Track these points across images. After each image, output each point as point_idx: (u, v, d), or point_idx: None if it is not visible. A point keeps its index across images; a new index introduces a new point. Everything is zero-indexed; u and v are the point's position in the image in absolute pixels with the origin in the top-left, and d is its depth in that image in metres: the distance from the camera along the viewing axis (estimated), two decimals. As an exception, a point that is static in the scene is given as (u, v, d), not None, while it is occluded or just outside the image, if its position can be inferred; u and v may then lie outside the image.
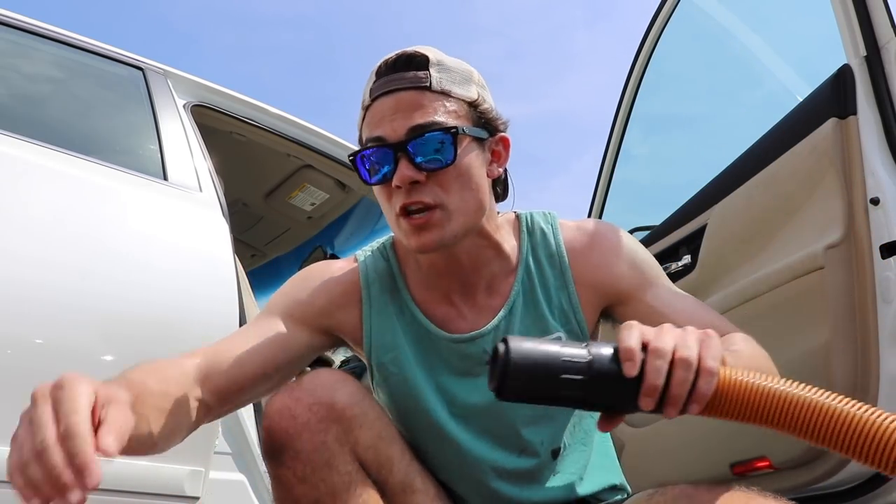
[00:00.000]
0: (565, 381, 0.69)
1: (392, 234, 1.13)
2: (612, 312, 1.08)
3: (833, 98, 1.49)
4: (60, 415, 0.66)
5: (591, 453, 1.11)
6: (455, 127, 0.97)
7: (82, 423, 0.65)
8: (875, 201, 1.40)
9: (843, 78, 1.48)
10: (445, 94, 0.99)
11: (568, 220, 1.13)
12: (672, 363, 0.68)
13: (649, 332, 0.71)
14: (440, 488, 1.06)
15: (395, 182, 0.96)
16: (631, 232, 2.39)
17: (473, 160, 1.00)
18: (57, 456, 0.63)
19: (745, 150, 1.80)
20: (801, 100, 1.66)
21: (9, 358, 1.39)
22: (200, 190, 1.86)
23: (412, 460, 1.04)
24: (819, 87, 1.56)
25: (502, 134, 1.06)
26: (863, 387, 1.37)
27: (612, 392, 0.70)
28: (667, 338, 0.70)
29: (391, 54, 1.01)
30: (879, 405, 1.36)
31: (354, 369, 2.71)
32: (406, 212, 0.97)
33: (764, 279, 1.58)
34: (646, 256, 1.08)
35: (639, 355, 0.69)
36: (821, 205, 1.50)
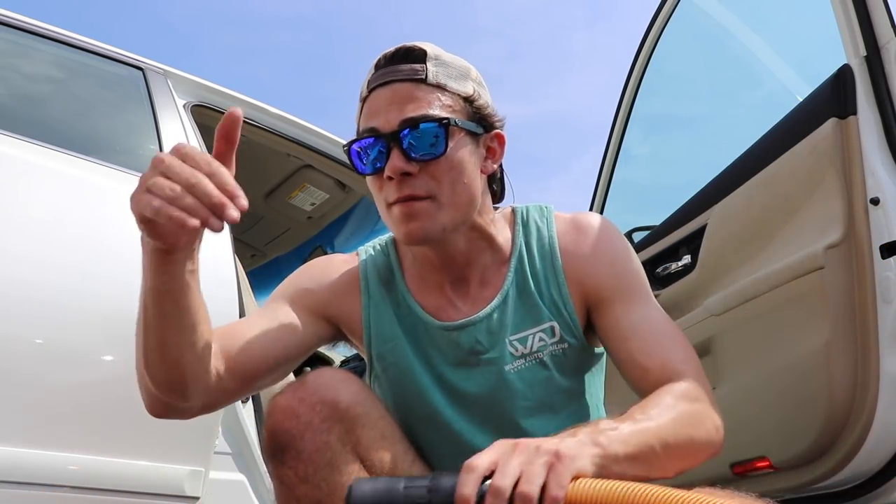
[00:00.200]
0: None
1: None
2: (590, 313, 1.07)
3: (833, 98, 1.49)
4: (198, 162, 0.74)
5: None
6: (447, 119, 0.97)
7: (220, 165, 0.75)
8: (875, 201, 1.40)
9: (843, 78, 1.48)
10: (441, 88, 0.99)
11: (565, 213, 1.13)
12: (512, 498, 0.68)
13: (493, 462, 0.71)
14: None
15: (386, 173, 0.97)
16: (631, 232, 2.39)
17: (466, 154, 1.01)
18: (210, 185, 0.73)
19: (745, 150, 1.80)
20: (801, 100, 1.66)
21: (9, 358, 1.39)
22: (200, 190, 1.85)
23: (415, 459, 1.05)
24: (819, 87, 1.56)
25: (498, 131, 1.06)
26: (863, 387, 1.37)
27: None
28: (510, 469, 0.69)
29: (391, 48, 1.02)
30: (879, 405, 1.36)
31: (355, 369, 2.71)
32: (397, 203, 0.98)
33: (764, 279, 1.58)
34: (628, 265, 1.06)
35: (473, 501, 0.68)
36: (821, 205, 1.50)
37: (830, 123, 1.48)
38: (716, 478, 1.62)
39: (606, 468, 0.75)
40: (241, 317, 1.71)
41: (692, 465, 0.87)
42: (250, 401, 1.83)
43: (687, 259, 1.94)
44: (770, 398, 1.57)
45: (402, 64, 1.00)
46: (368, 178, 1.03)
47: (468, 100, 1.02)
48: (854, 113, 1.45)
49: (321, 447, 0.94)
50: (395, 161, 0.96)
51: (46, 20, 1.93)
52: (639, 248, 2.19)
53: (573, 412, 1.08)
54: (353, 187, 2.82)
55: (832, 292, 1.42)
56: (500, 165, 1.10)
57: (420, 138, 0.96)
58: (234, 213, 0.74)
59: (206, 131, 2.10)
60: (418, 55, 1.00)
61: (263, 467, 1.70)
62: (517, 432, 1.04)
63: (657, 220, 2.18)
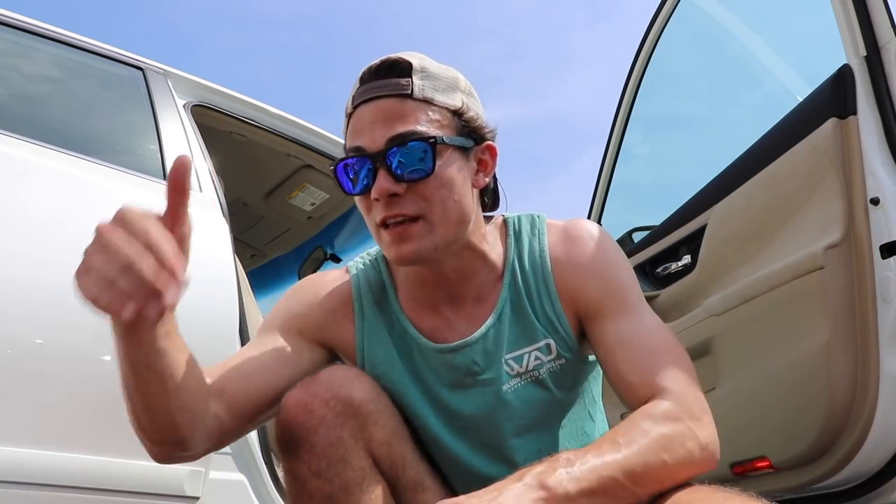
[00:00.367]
0: None
1: None
2: (582, 324, 1.04)
3: (833, 98, 1.49)
4: (136, 235, 0.71)
5: None
6: (434, 137, 0.94)
7: (161, 235, 0.72)
8: (875, 201, 1.40)
9: (843, 78, 1.48)
10: (427, 103, 0.96)
11: (557, 222, 1.10)
12: None
13: None
14: (448, 488, 1.07)
15: (373, 194, 0.94)
16: (631, 232, 2.40)
17: (456, 170, 0.97)
18: (147, 263, 0.70)
19: (745, 150, 1.80)
20: (801, 100, 1.66)
21: (9, 358, 1.39)
22: (200, 190, 1.85)
23: (422, 459, 1.05)
24: (819, 87, 1.56)
25: (489, 142, 1.03)
26: (863, 387, 1.37)
27: None
28: None
29: (375, 60, 0.98)
30: (879, 405, 1.36)
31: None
32: (386, 224, 0.95)
33: (764, 279, 1.58)
34: (619, 276, 1.03)
35: None
36: (821, 205, 1.50)
37: (830, 123, 1.48)
38: (716, 478, 1.62)
39: None
40: (240, 317, 1.71)
41: (670, 486, 0.85)
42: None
43: (687, 259, 1.94)
44: (770, 398, 1.57)
45: (387, 78, 0.96)
46: (357, 199, 1.00)
47: (457, 113, 0.98)
48: (854, 113, 1.45)
49: (334, 442, 0.94)
50: (382, 182, 0.93)
51: (46, 20, 1.93)
52: (639, 248, 2.19)
53: (567, 422, 1.08)
54: (353, 187, 2.81)
55: (832, 292, 1.42)
56: (494, 176, 1.07)
57: (407, 158, 0.93)
58: (172, 297, 0.71)
59: (206, 131, 2.10)
60: (403, 68, 0.96)
61: (263, 467, 1.70)
62: (505, 451, 1.05)
63: (657, 220, 2.18)
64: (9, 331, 1.40)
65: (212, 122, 2.27)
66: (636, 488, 0.82)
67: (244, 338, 1.71)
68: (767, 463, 1.56)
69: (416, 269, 1.03)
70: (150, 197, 1.74)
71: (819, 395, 1.42)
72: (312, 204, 3.00)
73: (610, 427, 1.19)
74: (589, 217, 2.54)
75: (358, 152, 0.96)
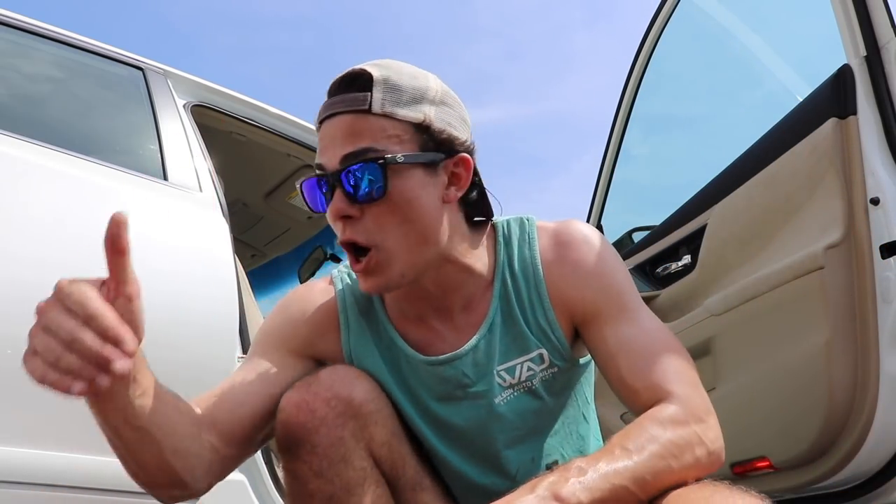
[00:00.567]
0: None
1: None
2: (578, 330, 1.02)
3: (833, 98, 1.49)
4: (75, 309, 0.69)
5: None
6: (383, 157, 0.89)
7: (100, 305, 0.69)
8: (875, 201, 1.40)
9: (843, 78, 1.48)
10: (387, 117, 0.90)
11: (548, 224, 1.06)
12: None
13: None
14: (447, 489, 1.06)
15: (328, 216, 0.92)
16: (631, 232, 2.40)
17: (418, 188, 0.92)
18: (89, 337, 0.68)
19: (745, 150, 1.80)
20: (801, 100, 1.66)
21: (9, 358, 1.39)
22: (200, 190, 1.85)
23: (421, 459, 1.04)
24: (819, 87, 1.56)
25: (462, 154, 0.96)
26: (863, 387, 1.37)
27: None
28: None
29: (342, 72, 0.95)
30: (879, 405, 1.36)
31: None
32: (349, 248, 0.93)
33: (764, 279, 1.58)
34: (614, 279, 1.00)
35: None
36: (821, 205, 1.50)
37: (830, 123, 1.48)
38: (715, 478, 1.62)
39: None
40: (240, 316, 1.71)
41: (676, 485, 0.84)
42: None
43: (687, 259, 1.94)
44: (770, 398, 1.57)
45: (347, 92, 0.92)
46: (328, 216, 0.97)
47: (420, 127, 0.92)
48: (854, 113, 1.45)
49: (335, 442, 0.93)
50: (337, 202, 0.90)
51: (46, 20, 1.94)
52: (639, 248, 2.19)
53: (561, 428, 1.07)
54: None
55: (832, 292, 1.42)
56: (479, 185, 1.01)
57: (358, 178, 0.89)
58: (120, 366, 0.69)
59: (206, 131, 2.10)
60: (364, 81, 0.91)
61: (264, 467, 1.70)
62: (499, 461, 1.04)
63: (657, 220, 2.18)
64: (9, 331, 1.40)
65: (212, 122, 2.27)
66: (643, 494, 0.81)
67: (244, 338, 1.71)
68: (767, 463, 1.56)
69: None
70: (150, 197, 1.75)
71: (819, 395, 1.42)
72: (312, 204, 3.00)
73: (603, 426, 1.19)
74: (589, 217, 2.54)
75: (319, 170, 0.93)
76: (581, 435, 1.09)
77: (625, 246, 2.34)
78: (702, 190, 1.94)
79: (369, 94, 0.91)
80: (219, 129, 2.33)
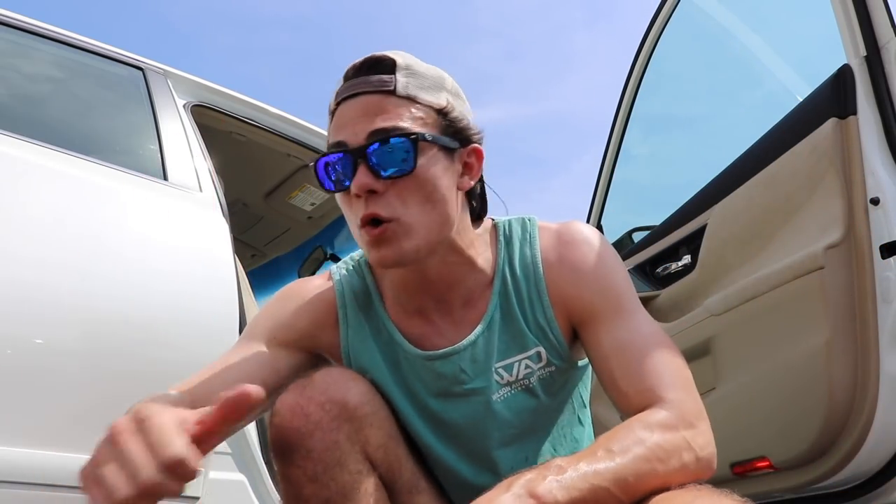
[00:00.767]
0: None
1: None
2: (576, 330, 1.02)
3: (833, 98, 1.49)
4: (145, 431, 0.65)
5: None
6: (417, 133, 0.91)
7: (172, 432, 0.64)
8: (875, 201, 1.40)
9: (843, 78, 1.48)
10: (411, 100, 0.93)
11: (550, 224, 1.06)
12: None
13: None
14: (443, 491, 1.06)
15: (352, 190, 0.92)
16: (631, 232, 2.40)
17: (439, 171, 0.94)
18: (145, 463, 0.62)
19: (745, 150, 1.80)
20: (801, 100, 1.66)
21: (9, 358, 1.39)
22: (200, 190, 1.86)
23: (417, 461, 1.04)
24: (819, 87, 1.56)
25: (475, 145, 0.99)
26: (863, 387, 1.37)
27: None
28: None
29: (360, 58, 0.96)
30: (879, 405, 1.36)
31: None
32: (368, 223, 0.93)
33: (764, 279, 1.58)
34: (613, 280, 1.00)
35: None
36: (821, 205, 1.50)
37: (830, 123, 1.48)
38: (716, 478, 1.62)
39: None
40: (240, 317, 1.71)
41: (660, 489, 0.82)
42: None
43: (687, 259, 1.94)
44: (770, 398, 1.57)
45: (371, 75, 0.94)
46: (338, 196, 0.97)
47: (441, 112, 0.95)
48: (854, 113, 1.45)
49: (331, 446, 0.93)
50: (361, 177, 0.90)
51: (46, 20, 1.94)
52: (639, 248, 2.19)
53: (556, 429, 1.06)
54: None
55: (832, 292, 1.42)
56: (481, 180, 1.04)
57: (387, 153, 0.90)
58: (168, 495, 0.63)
59: (206, 131, 2.11)
60: (387, 65, 0.94)
61: (263, 467, 1.70)
62: (492, 460, 1.03)
63: (657, 220, 2.18)
64: (9, 331, 1.40)
65: (212, 122, 2.28)
66: (625, 497, 0.80)
67: (244, 338, 1.71)
68: (767, 463, 1.56)
69: (400, 274, 1.01)
70: (150, 197, 1.75)
71: (819, 395, 1.42)
72: (312, 204, 3.00)
73: (603, 427, 1.18)
74: (589, 217, 2.54)
75: (339, 147, 0.93)
76: (575, 438, 1.09)
77: (625, 246, 2.35)
78: (702, 190, 1.94)
79: (393, 76, 0.93)
80: (219, 129, 2.33)
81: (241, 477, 1.70)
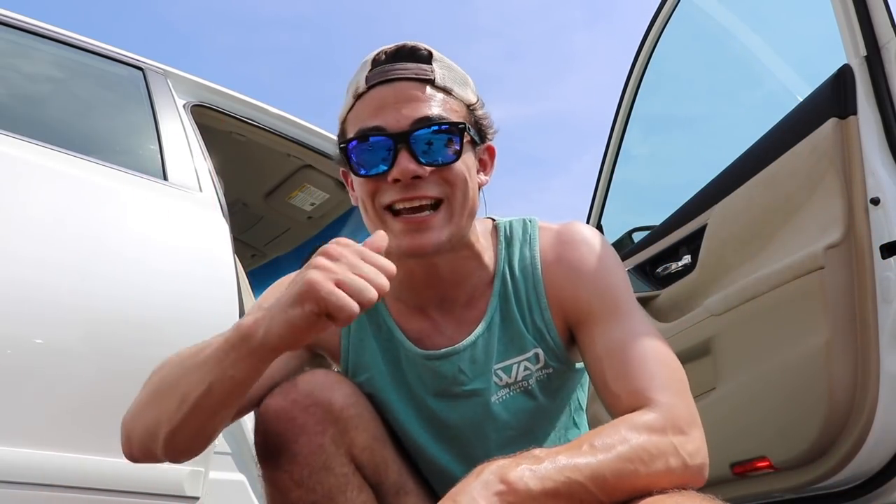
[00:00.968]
0: None
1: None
2: (573, 332, 1.01)
3: (833, 98, 1.49)
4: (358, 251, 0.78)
5: None
6: (463, 123, 0.93)
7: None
8: (875, 201, 1.40)
9: (843, 78, 1.48)
10: (447, 92, 0.95)
11: (551, 225, 1.06)
12: None
13: None
14: (429, 490, 1.06)
15: (394, 175, 0.91)
16: (631, 232, 2.39)
17: (471, 163, 0.96)
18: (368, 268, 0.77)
19: (745, 150, 1.80)
20: (801, 100, 1.66)
21: (9, 358, 1.39)
22: (200, 190, 1.86)
23: (404, 462, 1.04)
24: (819, 87, 1.56)
25: (490, 143, 1.02)
26: (863, 387, 1.37)
27: None
28: None
29: (391, 45, 0.96)
30: (879, 405, 1.36)
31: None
32: (394, 210, 0.93)
33: (764, 279, 1.58)
34: (610, 282, 0.99)
35: None
36: (821, 205, 1.50)
37: (830, 123, 1.48)
38: (716, 478, 1.62)
39: None
40: (240, 316, 1.70)
41: (643, 493, 0.80)
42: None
43: (687, 259, 1.94)
44: (770, 398, 1.57)
45: (408, 62, 0.94)
46: (359, 181, 0.96)
47: (471, 108, 0.98)
48: (854, 113, 1.45)
49: (316, 450, 0.93)
50: (406, 163, 0.90)
51: (46, 20, 1.94)
52: (639, 248, 2.19)
53: (552, 431, 1.06)
54: (353, 187, 2.81)
55: (832, 292, 1.42)
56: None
57: (434, 141, 0.91)
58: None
59: (206, 131, 2.10)
60: (424, 55, 0.95)
61: (263, 467, 1.70)
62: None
63: (657, 220, 2.18)
64: (9, 331, 1.40)
65: (212, 122, 2.28)
66: (603, 495, 0.78)
67: (244, 338, 1.71)
68: (768, 463, 1.56)
69: (408, 268, 0.98)
70: (150, 197, 1.75)
71: (819, 395, 1.42)
72: (312, 204, 3.00)
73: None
74: (589, 217, 2.54)
75: (377, 131, 0.92)
76: (570, 440, 1.08)
77: (625, 246, 2.34)
78: (702, 190, 1.93)
79: (431, 66, 0.94)
80: (219, 129, 2.33)
81: (241, 477, 1.70)
